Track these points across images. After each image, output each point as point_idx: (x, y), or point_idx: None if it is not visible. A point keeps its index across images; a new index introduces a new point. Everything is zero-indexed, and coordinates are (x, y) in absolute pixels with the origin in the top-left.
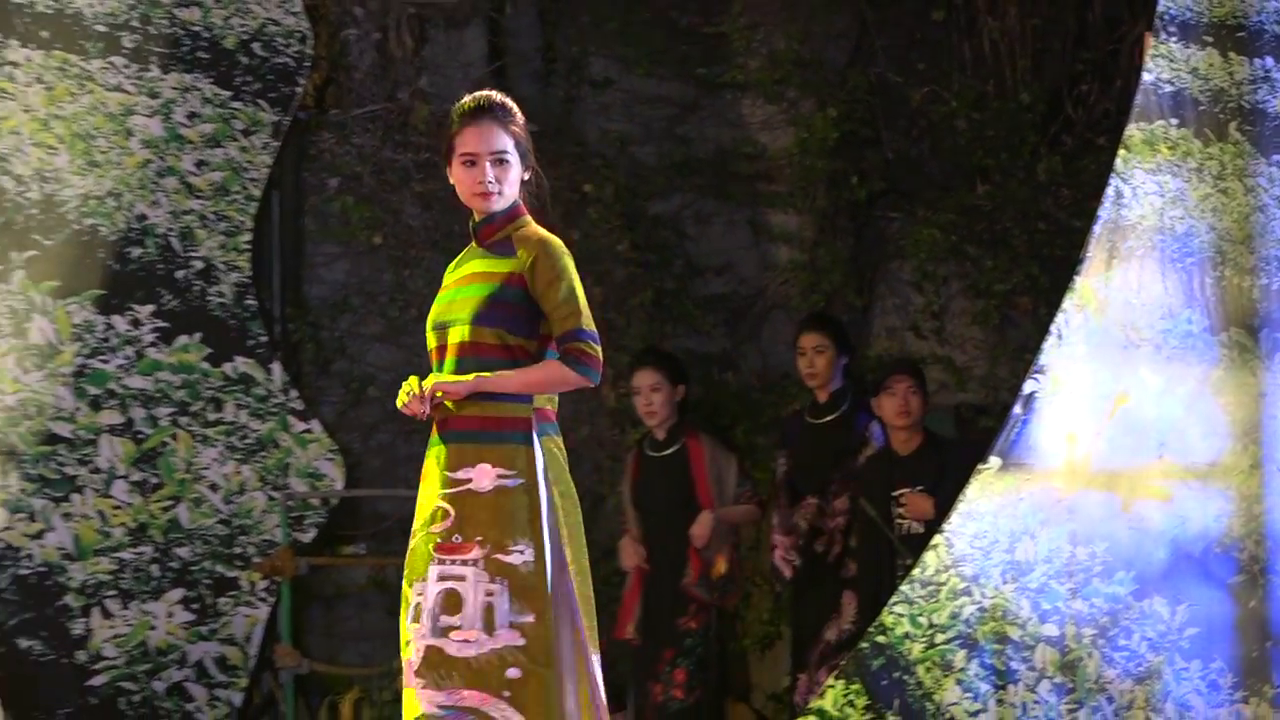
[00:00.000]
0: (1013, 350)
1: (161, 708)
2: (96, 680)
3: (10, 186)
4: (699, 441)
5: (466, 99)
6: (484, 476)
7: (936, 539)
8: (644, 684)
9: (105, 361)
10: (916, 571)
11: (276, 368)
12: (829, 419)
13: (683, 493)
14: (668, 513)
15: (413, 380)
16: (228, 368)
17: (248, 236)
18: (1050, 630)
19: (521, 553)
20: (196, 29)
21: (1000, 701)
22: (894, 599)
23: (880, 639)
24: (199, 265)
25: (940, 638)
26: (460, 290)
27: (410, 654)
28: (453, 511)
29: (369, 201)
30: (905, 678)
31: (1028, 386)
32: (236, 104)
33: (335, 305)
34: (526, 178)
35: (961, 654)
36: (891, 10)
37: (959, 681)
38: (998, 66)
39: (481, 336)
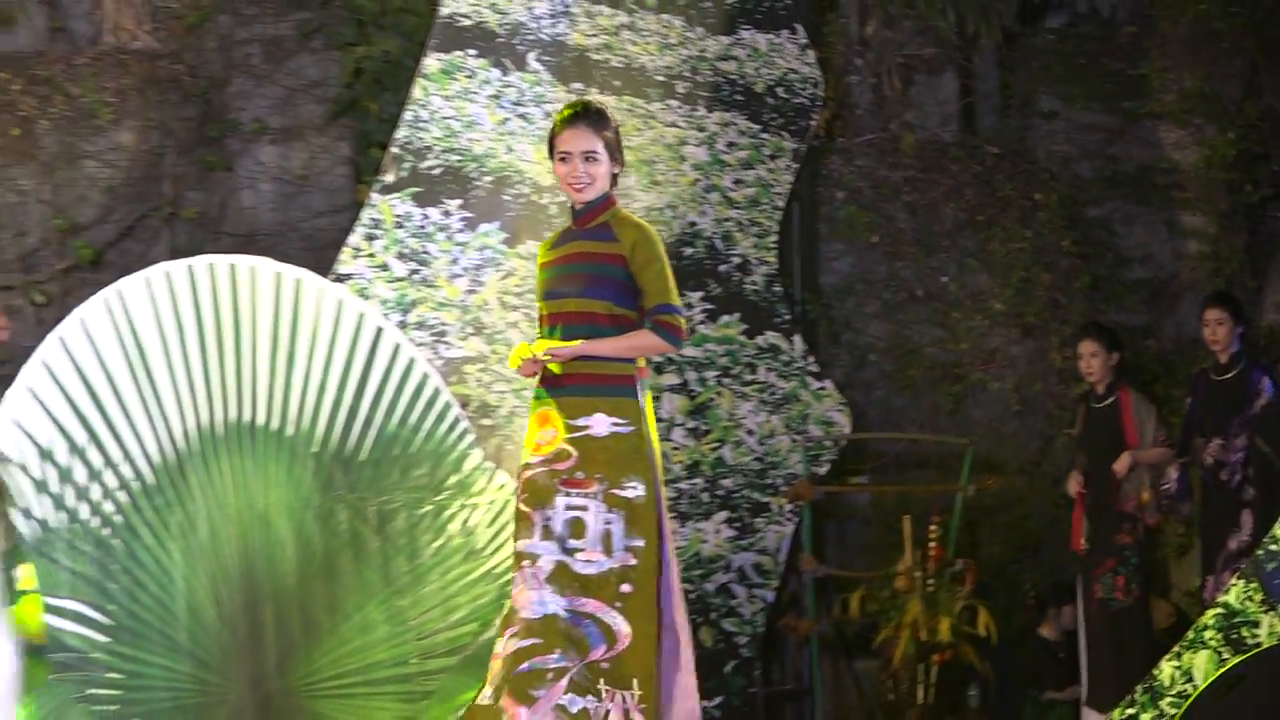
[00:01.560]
0: None
1: (712, 603)
2: None
3: None
4: (1128, 394)
5: (566, 106)
6: (600, 424)
7: None
8: (1089, 585)
9: None
10: None
11: (797, 339)
12: (1229, 376)
13: (1115, 435)
14: (1105, 451)
15: (524, 346)
16: (760, 340)
17: (774, 238)
18: None
19: (635, 488)
20: (734, 77)
21: None
22: None
23: (1273, 547)
24: (737, 260)
25: None
26: (567, 267)
27: (536, 564)
28: (574, 453)
29: (868, 209)
30: None
31: None
32: (765, 135)
33: (842, 290)
34: (617, 171)
35: None
36: (1278, 54)
37: None
38: None
39: (592, 307)
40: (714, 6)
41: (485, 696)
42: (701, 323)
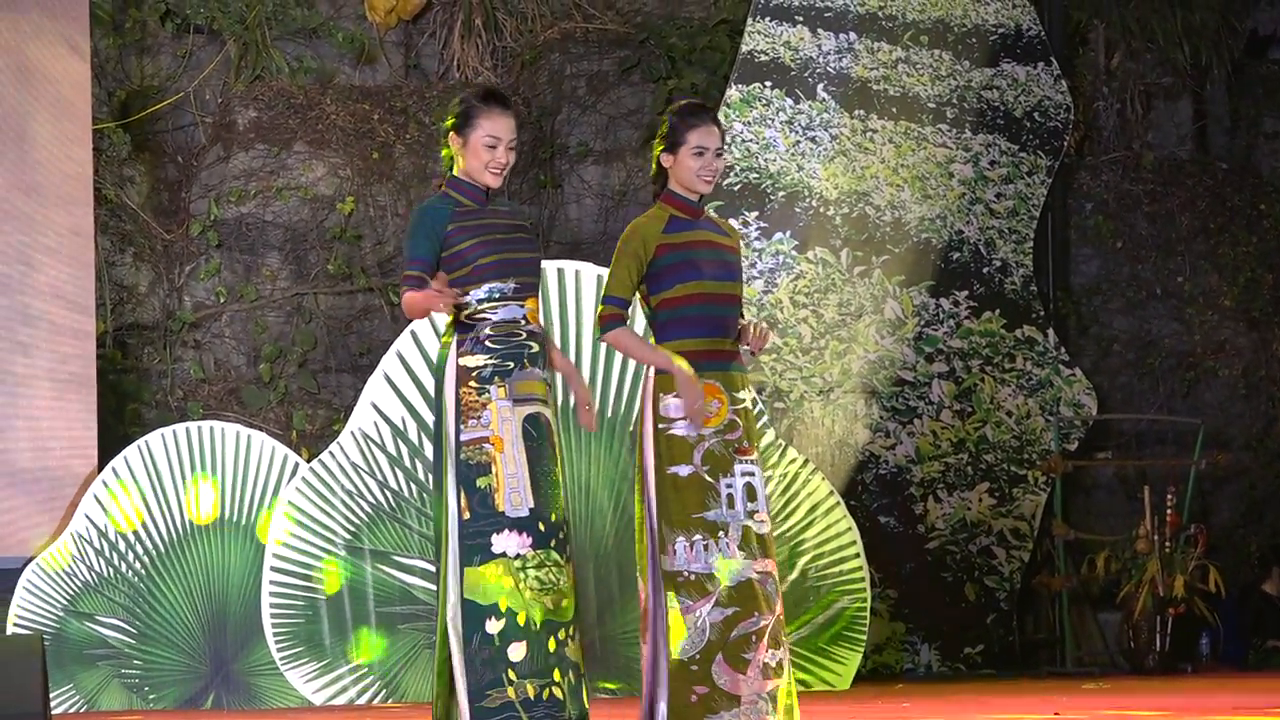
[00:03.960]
0: None
1: (974, 562)
2: (930, 544)
3: (872, 213)
4: None
5: (682, 101)
6: (749, 397)
7: None
8: None
9: (935, 330)
10: None
11: (1051, 332)
12: None
13: None
14: None
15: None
16: (1018, 332)
17: (1030, 244)
18: None
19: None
20: (996, 104)
21: None
22: None
23: None
24: (998, 264)
25: None
26: (715, 252)
27: (728, 533)
28: (740, 423)
29: (1113, 219)
30: None
31: None
32: (1022, 154)
33: (1090, 290)
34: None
35: None
36: None
37: None
38: None
39: (741, 290)
40: (979, 43)
41: (686, 652)
42: (967, 318)
